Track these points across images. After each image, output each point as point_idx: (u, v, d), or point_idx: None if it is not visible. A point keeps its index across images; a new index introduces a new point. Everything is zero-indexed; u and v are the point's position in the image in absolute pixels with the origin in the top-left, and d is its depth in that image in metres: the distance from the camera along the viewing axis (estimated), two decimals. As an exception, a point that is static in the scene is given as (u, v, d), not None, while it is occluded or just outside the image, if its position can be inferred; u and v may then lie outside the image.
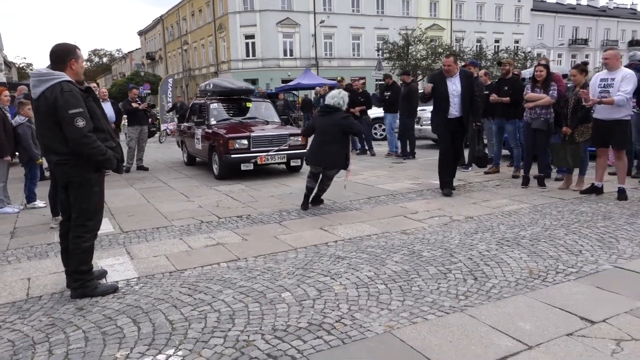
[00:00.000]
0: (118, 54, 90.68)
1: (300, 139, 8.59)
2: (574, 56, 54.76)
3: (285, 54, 40.04)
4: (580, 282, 3.53)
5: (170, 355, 2.68)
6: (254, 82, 35.91)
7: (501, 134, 8.26)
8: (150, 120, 15.83)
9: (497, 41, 47.39)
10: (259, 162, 8.20)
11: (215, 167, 8.76)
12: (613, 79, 5.99)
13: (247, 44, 39.53)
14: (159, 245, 4.81)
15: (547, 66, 7.11)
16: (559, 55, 53.89)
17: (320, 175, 6.13)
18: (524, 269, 3.82)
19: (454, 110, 6.66)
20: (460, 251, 4.30)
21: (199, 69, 48.06)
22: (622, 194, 6.08)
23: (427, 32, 37.49)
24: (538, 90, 6.92)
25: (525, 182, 7.11)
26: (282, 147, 8.40)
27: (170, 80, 23.01)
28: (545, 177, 7.18)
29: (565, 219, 5.30)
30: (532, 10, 51.51)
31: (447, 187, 6.83)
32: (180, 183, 8.50)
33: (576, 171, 6.88)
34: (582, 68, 6.64)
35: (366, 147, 11.93)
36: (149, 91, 37.28)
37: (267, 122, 9.46)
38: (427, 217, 5.58)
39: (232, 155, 8.19)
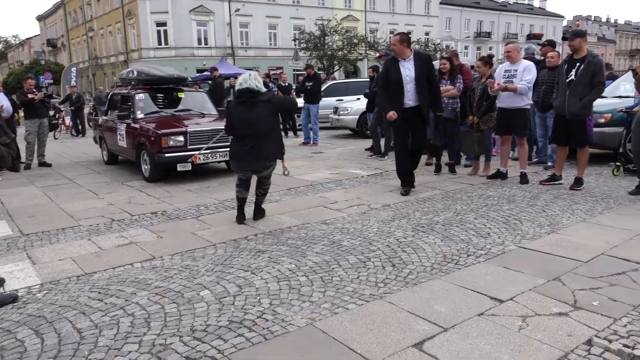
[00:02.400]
0: (15, 40, 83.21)
1: None
2: (479, 48, 58.07)
3: (199, 43, 38.81)
4: (489, 264, 3.74)
5: (79, 368, 2.49)
6: (167, 71, 34.52)
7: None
8: (53, 112, 14.69)
9: (409, 33, 49.06)
10: (194, 162, 7.11)
11: (144, 168, 7.57)
12: (516, 70, 6.41)
13: (158, 31, 37.81)
14: (65, 247, 4.47)
15: (450, 59, 7.45)
16: (466, 47, 56.87)
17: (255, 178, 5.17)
18: (438, 253, 3.98)
19: (408, 99, 5.95)
20: (378, 239, 4.39)
21: (107, 57, 45.34)
22: (524, 178, 6.53)
23: (342, 22, 38.05)
24: (444, 82, 7.23)
25: (438, 170, 7.43)
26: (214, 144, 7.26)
27: (74, 69, 21.49)
28: (456, 164, 7.55)
29: (474, 203, 5.59)
30: (440, 3, 53.85)
31: (405, 185, 6.19)
32: (88, 179, 7.96)
33: (482, 157, 7.29)
34: (487, 60, 7.03)
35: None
36: (51, 81, 34.57)
37: (204, 115, 8.31)
38: (346, 206, 5.66)
39: (167, 154, 7.05)
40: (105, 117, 9.61)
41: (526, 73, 6.33)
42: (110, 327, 2.90)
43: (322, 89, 12.61)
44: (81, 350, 2.64)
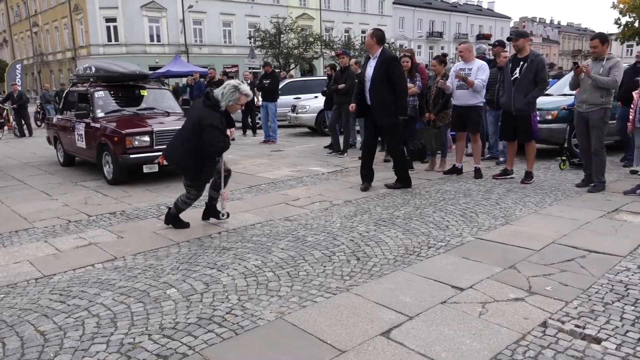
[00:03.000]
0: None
1: None
2: (431, 47, 59.49)
3: (152, 40, 37.90)
4: (449, 255, 3.89)
5: (45, 370, 2.44)
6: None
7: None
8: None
9: (363, 32, 49.48)
10: (160, 162, 6.64)
11: (106, 170, 7.16)
12: (470, 69, 6.65)
13: (108, 27, 36.65)
14: (20, 250, 4.31)
15: (411, 57, 7.64)
16: (419, 47, 58.08)
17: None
18: (400, 246, 4.11)
19: (368, 97, 6.01)
20: (342, 234, 4.48)
21: (53, 54, 43.53)
22: (478, 173, 6.79)
23: (297, 21, 38.10)
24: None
25: (396, 166, 7.59)
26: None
27: (18, 66, 20.58)
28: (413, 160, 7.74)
29: (432, 197, 5.78)
30: (393, 3, 54.76)
31: (364, 181, 6.26)
32: (39, 180, 7.67)
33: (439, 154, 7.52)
34: (442, 59, 7.25)
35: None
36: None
37: (168, 114, 7.93)
38: (309, 203, 5.72)
39: (132, 155, 6.71)
40: (60, 116, 9.07)
41: (480, 72, 6.59)
42: (75, 329, 2.84)
43: (280, 87, 12.62)
44: (46, 353, 2.59)
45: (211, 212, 5.01)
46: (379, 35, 6.01)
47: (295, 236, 4.46)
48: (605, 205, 5.22)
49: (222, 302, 3.13)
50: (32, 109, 18.75)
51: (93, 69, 8.33)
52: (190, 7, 37.92)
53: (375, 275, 3.50)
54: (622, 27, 49.04)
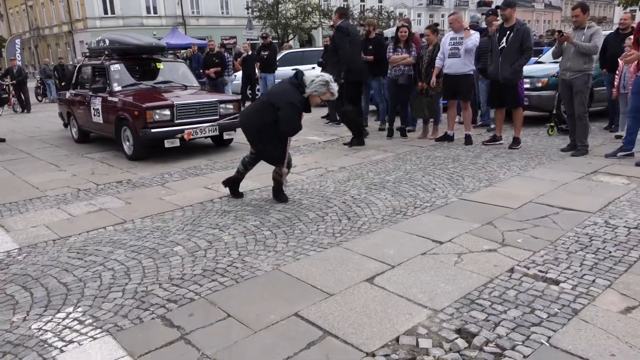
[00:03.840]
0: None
1: (232, 107, 7.29)
2: (431, 15, 58.67)
3: (148, 12, 37.53)
4: (433, 214, 4.20)
5: (71, 312, 2.78)
6: (116, 42, 33.38)
7: (367, 91, 8.90)
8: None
9: (362, 0, 48.96)
10: (185, 138, 6.60)
11: (126, 146, 7.01)
12: (461, 38, 6.84)
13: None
14: (36, 216, 4.64)
15: (408, 27, 7.79)
16: (419, 15, 57.29)
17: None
18: (389, 207, 4.42)
19: None
20: (335, 197, 4.79)
21: (49, 27, 43.20)
22: (468, 140, 7.06)
23: (296, -10, 37.62)
24: (400, 50, 7.58)
25: (390, 134, 7.86)
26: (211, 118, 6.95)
27: (17, 40, 20.63)
28: (407, 129, 8.00)
29: (422, 163, 6.07)
30: (393, -30, 53.75)
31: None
32: (46, 153, 7.96)
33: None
34: (434, 28, 7.44)
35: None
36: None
37: (186, 87, 7.76)
38: (305, 170, 6.02)
39: (153, 130, 6.54)
40: (73, 91, 8.75)
41: (469, 42, 6.78)
42: (93, 280, 3.18)
43: (278, 59, 12.75)
44: (70, 299, 2.93)
45: (234, 183, 4.90)
46: (341, 10, 7.53)
47: (292, 200, 4.77)
48: (586, 167, 5.51)
49: (224, 257, 3.46)
50: (31, 84, 18.87)
51: (107, 42, 8.05)
52: (187, -23, 37.41)
53: (363, 232, 3.83)
54: (625, -9, 48.47)
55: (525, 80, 7.82)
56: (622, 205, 4.20)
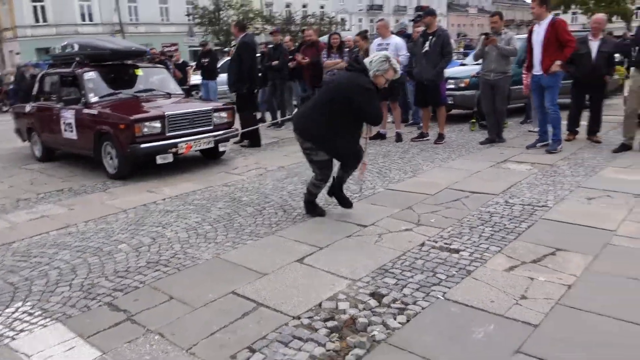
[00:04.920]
0: None
1: (226, 115, 6.75)
2: (372, 20, 60.11)
3: (83, 19, 36.47)
4: (361, 202, 4.64)
5: (20, 307, 2.98)
6: (47, 51, 32.32)
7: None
8: None
9: (304, 6, 49.59)
10: (183, 152, 6.08)
11: (108, 163, 6.29)
12: (388, 44, 7.38)
13: (35, 7, 34.92)
14: (-23, 225, 4.70)
15: (339, 34, 8.31)
16: (360, 20, 58.66)
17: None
18: (321, 199, 4.80)
19: None
20: (273, 193, 5.14)
21: (-24, 37, 41.05)
22: (398, 137, 7.60)
23: (236, -4, 37.76)
24: (334, 55, 8.06)
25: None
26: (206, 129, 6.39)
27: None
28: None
29: (355, 160, 6.51)
30: (332, -23, 54.83)
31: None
32: (-18, 166, 7.83)
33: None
34: (364, 35, 7.99)
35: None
36: None
37: (170, 95, 7.08)
38: (246, 170, 6.33)
39: (142, 145, 5.86)
40: (35, 104, 7.69)
41: (401, 49, 7.34)
42: (40, 278, 3.37)
43: (219, 65, 12.94)
44: (18, 296, 3.12)
45: (337, 189, 4.35)
46: (239, 25, 8.06)
47: (232, 197, 5.09)
48: (498, 157, 6.14)
49: (167, 250, 3.74)
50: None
51: (76, 47, 7.18)
52: (123, -16, 36.71)
53: (297, 222, 4.20)
54: (549, -5, 51.57)
55: (450, 81, 8.51)
56: (521, 187, 4.80)
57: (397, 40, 7.39)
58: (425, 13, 7.06)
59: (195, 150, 6.48)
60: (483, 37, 7.01)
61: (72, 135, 6.73)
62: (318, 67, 8.24)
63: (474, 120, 8.23)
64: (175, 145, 6.04)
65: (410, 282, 2.96)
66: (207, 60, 11.70)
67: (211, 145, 6.49)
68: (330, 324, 2.55)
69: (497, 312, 2.58)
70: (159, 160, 6.01)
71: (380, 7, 61.34)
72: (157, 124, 5.99)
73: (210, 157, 7.01)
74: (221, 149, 6.85)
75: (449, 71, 7.97)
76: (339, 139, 3.96)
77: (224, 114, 6.70)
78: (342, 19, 50.63)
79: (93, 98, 6.56)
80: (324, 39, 11.97)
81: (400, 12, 63.26)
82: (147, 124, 5.91)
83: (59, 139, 7.10)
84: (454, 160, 6.13)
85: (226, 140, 6.74)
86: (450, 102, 8.56)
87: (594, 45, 6.58)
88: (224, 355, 2.33)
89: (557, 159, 5.92)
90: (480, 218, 4.00)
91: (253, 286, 3.03)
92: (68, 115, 6.71)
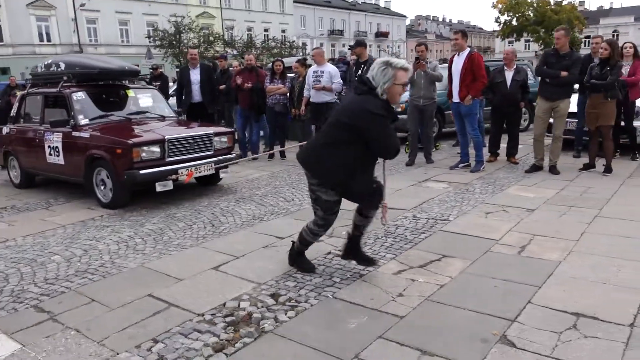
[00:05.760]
0: None
1: (227, 140, 6.42)
2: (333, 45, 61.69)
3: (41, 39, 36.08)
4: (285, 218, 5.06)
5: (-51, 311, 3.23)
6: (4, 71, 31.84)
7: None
8: None
9: (266, 30, 50.52)
10: (184, 180, 5.72)
11: (101, 191, 5.84)
12: (322, 72, 7.92)
13: (-10, 27, 34.44)
14: None
15: (282, 61, 8.82)
16: (321, 44, 60.03)
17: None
18: (250, 214, 5.22)
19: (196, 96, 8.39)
20: (206, 209, 5.51)
21: None
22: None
23: (198, 20, 38.23)
24: (276, 80, 8.55)
25: (271, 156, 8.73)
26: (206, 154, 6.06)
27: None
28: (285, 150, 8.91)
29: (291, 179, 6.96)
30: (294, 2, 56.16)
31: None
32: None
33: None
34: (303, 62, 8.50)
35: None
36: None
37: (164, 118, 6.72)
38: (182, 187, 6.66)
39: (141, 171, 5.49)
40: (14, 126, 7.21)
41: (334, 76, 7.88)
42: (-28, 287, 3.63)
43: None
44: (-51, 302, 3.37)
45: (354, 247, 3.65)
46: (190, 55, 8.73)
47: (167, 213, 5.42)
48: (421, 177, 6.70)
49: (97, 260, 4.04)
50: None
51: (63, 66, 6.72)
52: (82, 5, 36.63)
53: (223, 235, 4.58)
54: (501, 25, 54.38)
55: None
56: (432, 203, 5.33)
57: (330, 68, 7.94)
58: (355, 44, 7.65)
59: (195, 177, 6.01)
60: (415, 60, 7.62)
61: (58, 160, 6.29)
62: (260, 92, 8.64)
63: (407, 143, 8.82)
64: (175, 171, 5.68)
65: (307, 285, 3.38)
66: (158, 83, 12.00)
67: (211, 171, 6.10)
68: (229, 319, 2.94)
69: (373, 307, 3.03)
70: (159, 187, 5.60)
71: (341, 32, 62.99)
72: (157, 149, 5.63)
73: (206, 183, 6.68)
74: (222, 175, 6.54)
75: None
76: (353, 174, 3.29)
77: (224, 139, 6.37)
78: (303, 43, 51.84)
79: (83, 120, 6.14)
80: (291, 60, 12.43)
81: (360, 36, 65.13)
82: (145, 148, 5.56)
83: (41, 164, 6.61)
84: (387, 180, 6.64)
85: (226, 166, 6.43)
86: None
87: (509, 75, 7.30)
88: (130, 345, 2.68)
89: (473, 178, 6.52)
90: (386, 230, 4.48)
91: (169, 290, 3.39)
92: (54, 139, 6.28)
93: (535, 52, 55.71)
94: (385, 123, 3.19)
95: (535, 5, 51.93)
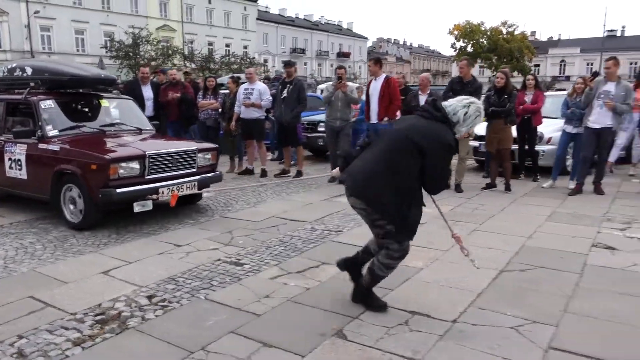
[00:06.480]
0: None
1: (210, 156, 6.02)
2: (295, 63, 62.44)
3: (-9, 45, 35.24)
4: (192, 228, 5.28)
5: None
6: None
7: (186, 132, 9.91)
8: None
9: (227, 45, 50.73)
10: (170, 202, 5.13)
11: (69, 211, 5.31)
12: (252, 89, 8.24)
13: (-63, 30, 33.37)
14: None
15: (215, 78, 9.10)
16: (282, 62, 60.70)
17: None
18: (158, 223, 5.40)
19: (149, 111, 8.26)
20: (113, 219, 5.66)
21: None
22: (263, 172, 8.37)
23: (157, 32, 38.11)
24: (209, 96, 8.81)
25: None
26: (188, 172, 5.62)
27: None
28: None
29: (214, 191, 7.18)
30: (257, 19, 56.75)
31: None
32: None
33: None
34: (235, 80, 8.80)
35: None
36: None
37: (140, 131, 6.25)
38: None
39: (118, 190, 4.99)
40: None
41: (264, 94, 8.21)
42: None
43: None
44: None
45: (355, 267, 3.43)
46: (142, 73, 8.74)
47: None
48: (337, 192, 7.02)
49: (-10, 265, 4.16)
50: None
51: (29, 71, 6.12)
52: (37, 12, 36.02)
53: (125, 242, 4.76)
54: (457, 50, 56.53)
55: (322, 124, 9.49)
56: (334, 217, 5.68)
57: (260, 86, 8.28)
58: (285, 64, 8.04)
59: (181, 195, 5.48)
60: (336, 80, 7.96)
61: (21, 174, 5.70)
62: (189, 103, 8.75)
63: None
64: (155, 190, 5.20)
65: (185, 287, 3.62)
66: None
67: (194, 190, 5.67)
68: (98, 318, 3.15)
69: (237, 306, 3.30)
70: (137, 208, 5.08)
71: (303, 51, 63.84)
72: (136, 165, 5.15)
73: (185, 202, 6.05)
74: (204, 194, 6.28)
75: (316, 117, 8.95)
76: (410, 205, 3.07)
77: (208, 155, 5.96)
78: (265, 60, 52.34)
79: (51, 131, 5.57)
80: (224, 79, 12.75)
81: (322, 56, 66.34)
82: (124, 164, 5.07)
83: (3, 178, 5.94)
84: (298, 194, 6.97)
85: (207, 185, 5.99)
86: (320, 144, 9.60)
87: (422, 99, 7.79)
88: (-6, 341, 2.85)
89: (384, 194, 6.91)
90: (281, 240, 4.77)
91: (51, 292, 3.56)
92: (16, 151, 5.71)
93: (489, 77, 58.20)
94: (450, 159, 3.17)
95: (488, 33, 54.40)
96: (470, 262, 3.28)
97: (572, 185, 7.10)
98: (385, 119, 7.16)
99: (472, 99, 3.18)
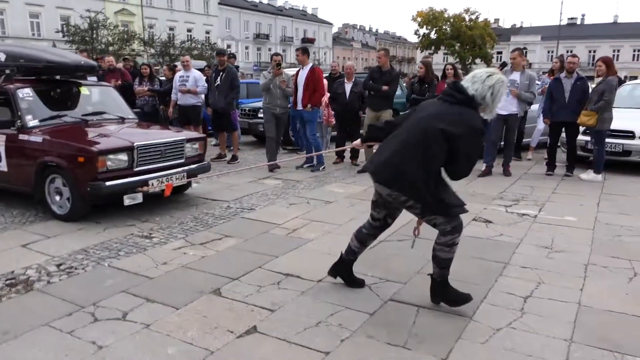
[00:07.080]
0: None
1: (198, 146, 5.90)
2: (259, 49, 62.25)
3: (-61, 28, 34.05)
4: (123, 209, 5.68)
5: None
6: None
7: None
8: None
9: (189, 30, 50.22)
10: (165, 193, 4.60)
11: (55, 203, 5.19)
12: (188, 76, 8.60)
13: None
14: None
15: (150, 65, 9.49)
16: (247, 48, 60.43)
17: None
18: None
19: None
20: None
21: None
22: (233, 158, 8.67)
23: (116, 16, 37.44)
24: (145, 82, 9.15)
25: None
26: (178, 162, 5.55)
27: None
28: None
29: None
30: (219, 4, 56.13)
31: None
32: None
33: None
34: (171, 67, 9.22)
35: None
36: None
37: (123, 120, 6.10)
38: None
39: (107, 183, 4.89)
40: None
41: (199, 80, 8.58)
42: None
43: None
44: None
45: (345, 268, 3.56)
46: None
47: (7, 204, 5.86)
48: (264, 174, 7.52)
49: None
50: None
51: (2, 57, 5.80)
52: (-12, -6, 34.91)
53: (50, 221, 5.12)
54: (420, 37, 57.43)
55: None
56: (253, 196, 6.17)
57: (195, 74, 8.66)
58: (216, 53, 8.44)
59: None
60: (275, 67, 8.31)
61: (0, 166, 5.53)
62: (128, 90, 9.03)
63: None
64: (145, 182, 5.09)
65: (92, 257, 4.07)
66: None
67: (183, 181, 5.58)
68: (9, 282, 3.57)
69: (134, 272, 3.77)
70: (127, 201, 4.99)
71: (267, 37, 63.55)
72: (124, 157, 5.03)
73: (173, 193, 5.38)
74: (193, 184, 6.26)
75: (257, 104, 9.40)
76: (435, 185, 3.00)
77: (196, 145, 5.87)
78: (228, 46, 52.01)
79: (31, 121, 5.36)
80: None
81: (287, 42, 66.17)
82: (112, 156, 4.95)
83: None
84: (229, 177, 7.41)
85: (195, 175, 5.80)
86: (262, 129, 10.03)
87: (348, 87, 8.33)
88: None
89: (308, 176, 7.45)
90: (196, 217, 5.24)
91: (-31, 263, 3.94)
92: None
93: (452, 64, 59.53)
94: (480, 143, 3.16)
95: (451, 20, 55.40)
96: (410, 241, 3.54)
97: (483, 167, 7.77)
98: (309, 106, 7.65)
99: (490, 70, 3.07)
